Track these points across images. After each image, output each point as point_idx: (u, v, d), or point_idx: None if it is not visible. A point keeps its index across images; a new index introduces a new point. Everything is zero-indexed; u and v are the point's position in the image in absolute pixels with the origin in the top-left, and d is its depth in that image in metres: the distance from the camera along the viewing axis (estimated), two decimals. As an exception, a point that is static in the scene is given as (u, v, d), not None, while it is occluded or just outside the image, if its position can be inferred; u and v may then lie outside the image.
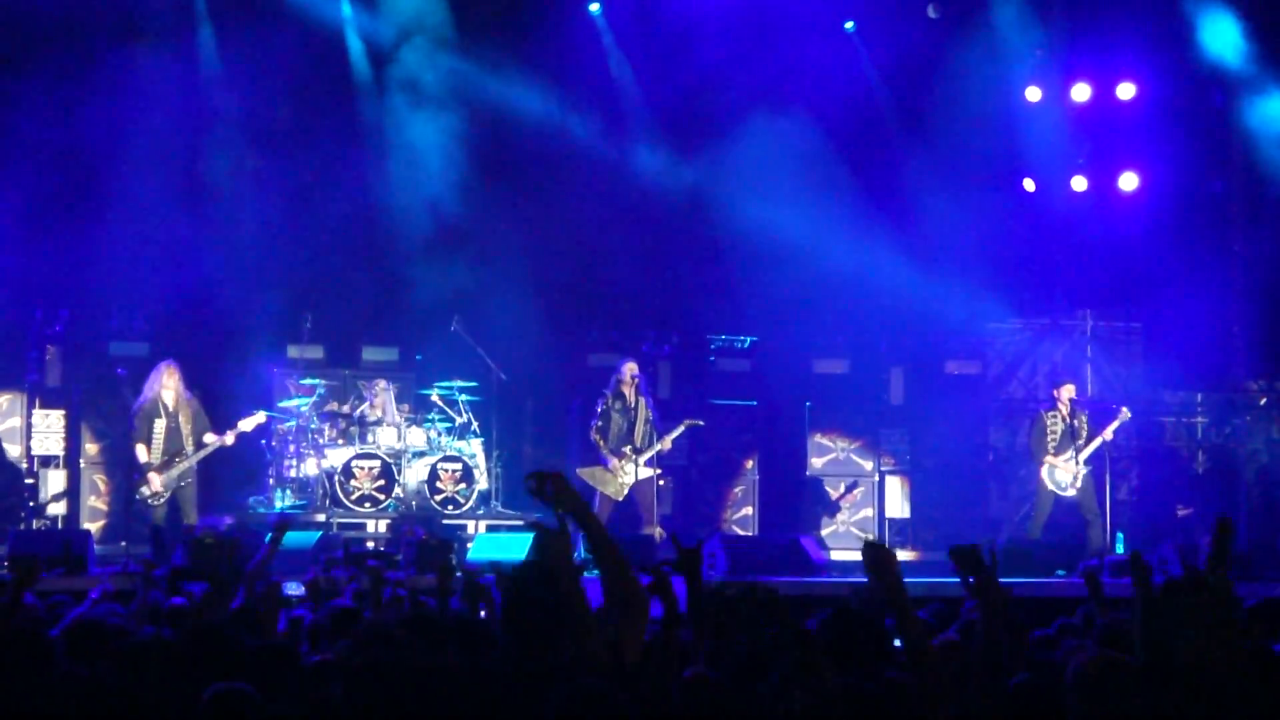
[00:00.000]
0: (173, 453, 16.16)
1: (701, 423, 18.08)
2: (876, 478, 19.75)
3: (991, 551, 4.71)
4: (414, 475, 18.15)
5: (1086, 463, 17.40)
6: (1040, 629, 7.96)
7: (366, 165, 19.43)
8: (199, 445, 16.27)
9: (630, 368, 17.31)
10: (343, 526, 17.46)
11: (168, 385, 16.19)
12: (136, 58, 18.46)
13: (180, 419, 16.19)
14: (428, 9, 19.54)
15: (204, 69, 19.14)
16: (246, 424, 16.61)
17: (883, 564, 5.47)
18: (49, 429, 18.32)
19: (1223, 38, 19.72)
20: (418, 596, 8.92)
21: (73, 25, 18.17)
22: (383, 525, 17.81)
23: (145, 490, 16.10)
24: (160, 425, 16.12)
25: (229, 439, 16.42)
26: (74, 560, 13.56)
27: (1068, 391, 17.72)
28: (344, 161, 19.35)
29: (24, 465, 18.08)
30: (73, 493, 18.11)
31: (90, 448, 18.30)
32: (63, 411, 18.35)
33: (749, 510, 19.54)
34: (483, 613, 7.59)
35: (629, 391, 17.21)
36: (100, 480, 18.22)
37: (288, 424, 18.24)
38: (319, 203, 19.06)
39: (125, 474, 16.36)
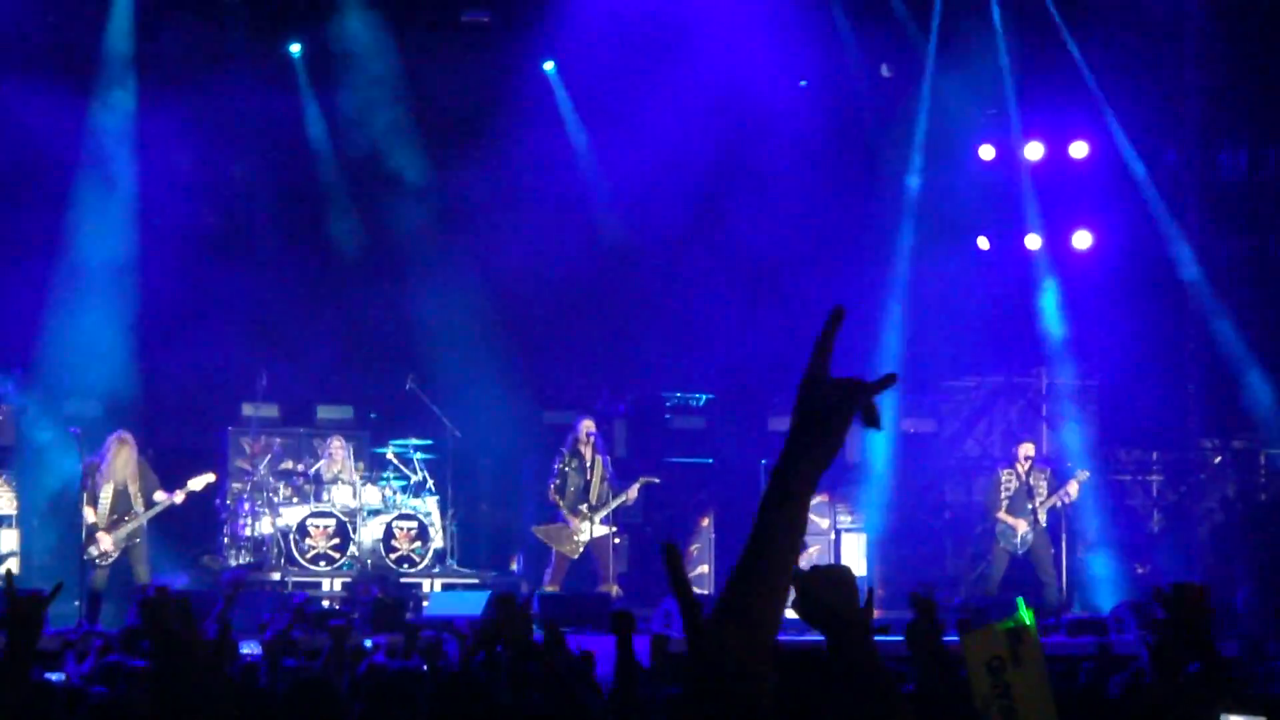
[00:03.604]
0: (121, 512, 15.99)
1: (657, 480, 18.08)
2: (833, 536, 19.67)
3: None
4: (369, 533, 18.06)
5: (1042, 521, 17.42)
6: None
7: (325, 222, 19.45)
8: (149, 504, 16.12)
9: (586, 425, 17.29)
10: (297, 585, 17.35)
11: (119, 455, 16.03)
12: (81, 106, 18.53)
13: (129, 484, 16.04)
14: (386, 83, 19.57)
15: (138, 121, 18.99)
16: (196, 483, 16.48)
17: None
18: (1, 488, 18.16)
19: None
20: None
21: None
22: (338, 584, 17.70)
23: (94, 550, 15.91)
24: (108, 490, 15.93)
25: (179, 498, 16.29)
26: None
27: (1025, 450, 17.75)
28: (302, 219, 19.40)
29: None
30: (26, 552, 17.93)
31: (42, 507, 18.15)
32: (14, 471, 18.20)
33: (705, 569, 19.46)
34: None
35: (585, 450, 17.19)
36: (51, 539, 18.04)
37: (242, 482, 18.12)
38: (275, 258, 19.09)
39: (77, 533, 16.18)
